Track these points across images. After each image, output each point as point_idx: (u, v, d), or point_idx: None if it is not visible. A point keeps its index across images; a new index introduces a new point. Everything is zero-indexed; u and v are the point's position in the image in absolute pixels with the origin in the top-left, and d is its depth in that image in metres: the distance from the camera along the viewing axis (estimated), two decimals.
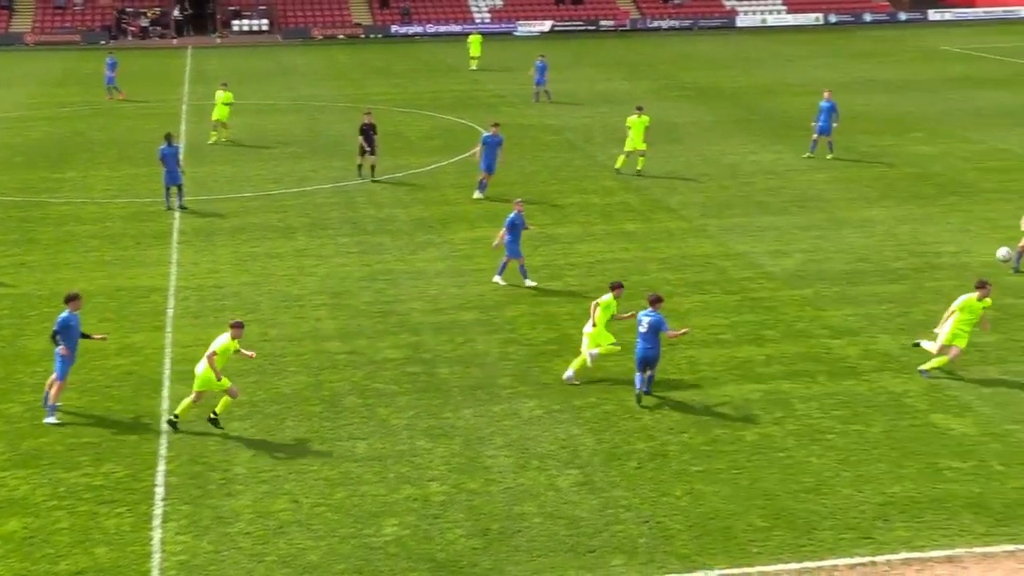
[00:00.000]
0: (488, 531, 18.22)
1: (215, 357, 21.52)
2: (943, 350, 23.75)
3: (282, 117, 55.99)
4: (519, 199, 31.43)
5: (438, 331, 26.80)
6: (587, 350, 23.87)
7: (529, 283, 29.84)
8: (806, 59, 75.91)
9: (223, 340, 21.76)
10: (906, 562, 17.22)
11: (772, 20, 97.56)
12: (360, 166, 41.79)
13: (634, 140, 42.12)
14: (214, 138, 48.66)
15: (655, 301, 22.71)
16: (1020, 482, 19.46)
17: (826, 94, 45.49)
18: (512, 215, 29.72)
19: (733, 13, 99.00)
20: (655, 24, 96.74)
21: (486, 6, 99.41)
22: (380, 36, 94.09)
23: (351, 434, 21.61)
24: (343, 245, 33.93)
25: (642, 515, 18.59)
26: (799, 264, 31.38)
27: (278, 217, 36.84)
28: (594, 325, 23.77)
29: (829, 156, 44.68)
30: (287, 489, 19.56)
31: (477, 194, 38.85)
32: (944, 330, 23.75)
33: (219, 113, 48.81)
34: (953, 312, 23.66)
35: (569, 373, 23.85)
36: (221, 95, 48.92)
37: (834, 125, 44.74)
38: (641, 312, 22.71)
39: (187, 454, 20.81)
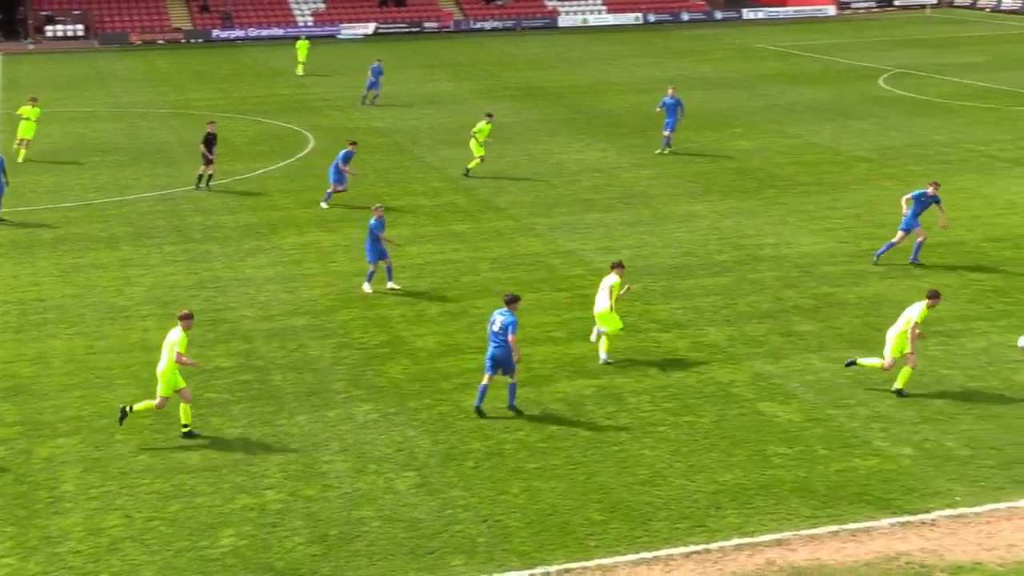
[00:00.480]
0: (327, 537, 18.06)
1: (181, 355, 21.22)
2: (904, 360, 22.74)
3: (102, 124, 54.61)
4: (379, 204, 30.99)
5: (270, 338, 26.47)
6: (598, 328, 24.69)
7: (392, 286, 29.57)
8: (627, 58, 77.08)
9: (177, 335, 21.40)
10: (738, 548, 17.62)
11: (593, 20, 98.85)
12: (200, 176, 40.88)
13: (479, 143, 42.24)
14: (23, 155, 46.11)
15: (511, 301, 22.31)
16: (842, 465, 20.09)
17: (670, 91, 46.34)
18: (372, 221, 29.33)
19: (555, 13, 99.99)
20: (478, 25, 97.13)
21: (308, 9, 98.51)
22: (201, 41, 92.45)
23: (184, 445, 21.18)
24: (169, 254, 33.26)
25: (480, 514, 18.65)
26: (626, 260, 31.77)
27: (101, 227, 35.94)
28: (611, 308, 24.37)
29: (665, 151, 45.48)
30: (119, 504, 19.08)
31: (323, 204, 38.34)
32: (890, 342, 22.77)
33: (24, 131, 45.94)
34: (909, 322, 22.60)
35: (603, 356, 24.59)
36: (27, 110, 46.13)
37: (679, 121, 45.63)
38: (497, 310, 22.65)
39: (11, 473, 20.15)
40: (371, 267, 29.58)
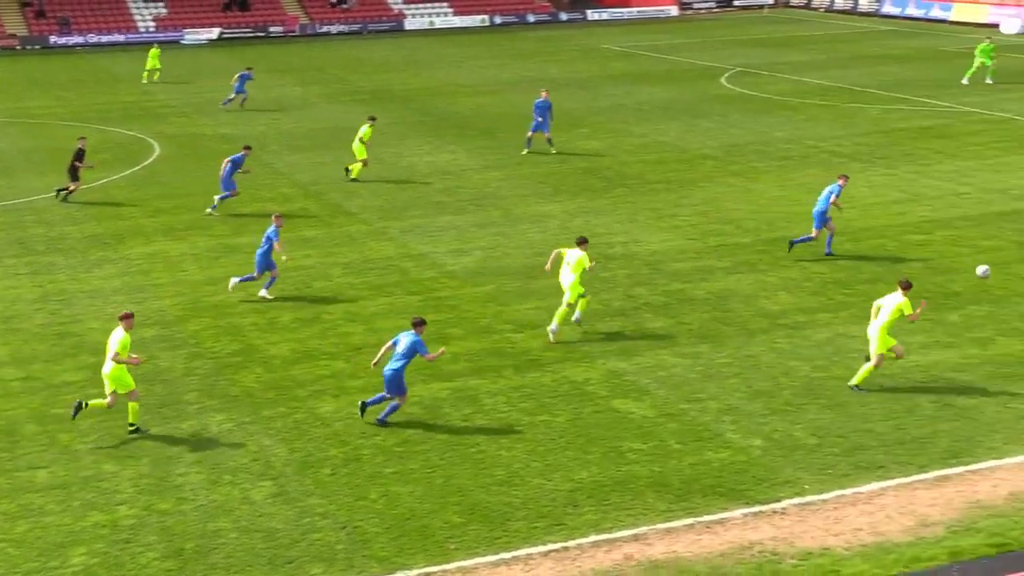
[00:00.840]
0: (183, 551, 17.75)
1: (119, 355, 21.34)
2: (880, 360, 22.83)
3: None
4: (278, 213, 30.43)
5: None
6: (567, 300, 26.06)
7: (264, 295, 29.14)
8: (474, 60, 77.26)
9: (120, 336, 21.52)
10: (596, 544, 17.81)
11: (439, 22, 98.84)
12: (64, 188, 39.56)
13: (361, 147, 41.98)
14: None
15: (418, 324, 22.03)
16: (695, 458, 20.44)
17: (543, 93, 46.60)
18: (271, 229, 28.83)
19: (401, 16, 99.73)
20: (324, 29, 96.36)
21: (150, 14, 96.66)
22: (38, 47, 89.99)
23: (31, 463, 20.63)
24: (11, 267, 32.34)
25: (339, 521, 18.52)
26: (479, 262, 31.95)
27: None
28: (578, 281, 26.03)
29: (553, 151, 45.76)
30: None
31: (209, 209, 37.74)
32: (874, 340, 22.67)
33: None
34: (886, 316, 22.57)
35: (576, 316, 26.39)
36: None
37: (550, 122, 45.95)
38: (403, 331, 22.36)
39: None
40: (270, 275, 29.10)
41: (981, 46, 61.68)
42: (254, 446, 21.18)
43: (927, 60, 70.41)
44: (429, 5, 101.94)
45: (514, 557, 17.52)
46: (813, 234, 31.86)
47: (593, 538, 17.97)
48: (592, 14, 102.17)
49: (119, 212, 38.00)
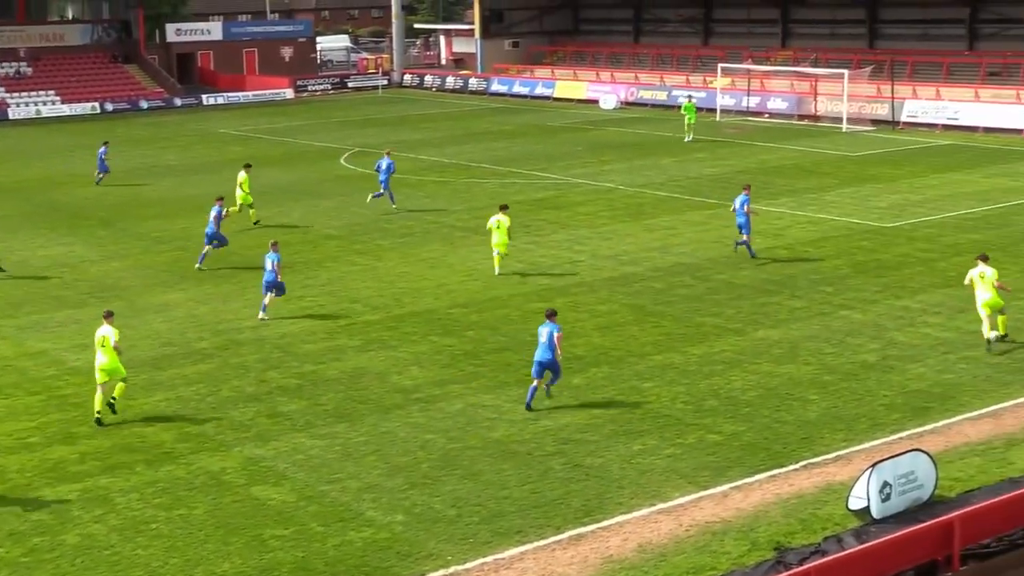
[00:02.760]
0: None
1: (116, 342, 25.53)
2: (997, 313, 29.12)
3: None
4: (274, 240, 34.19)
5: None
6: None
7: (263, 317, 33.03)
8: (89, 148, 74.52)
9: (109, 330, 25.73)
10: None
11: (47, 111, 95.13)
12: None
13: (246, 193, 46.59)
14: None
15: (552, 315, 26.22)
16: (338, 539, 20.30)
17: (386, 153, 49.93)
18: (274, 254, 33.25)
19: (4, 106, 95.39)
20: None
21: None
22: None
23: None
24: None
25: None
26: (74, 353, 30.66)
27: None
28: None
29: (393, 207, 48.16)
30: None
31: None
32: (984, 309, 28.90)
33: None
34: (992, 280, 28.76)
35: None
36: None
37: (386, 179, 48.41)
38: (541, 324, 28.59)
39: None
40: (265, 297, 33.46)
41: (685, 104, 67.83)
42: None
43: (535, 135, 73.56)
44: (35, 93, 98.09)
45: None
46: (745, 237, 38.72)
47: None
48: (207, 98, 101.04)
49: None
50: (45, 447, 24.71)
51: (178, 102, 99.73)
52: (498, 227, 37.11)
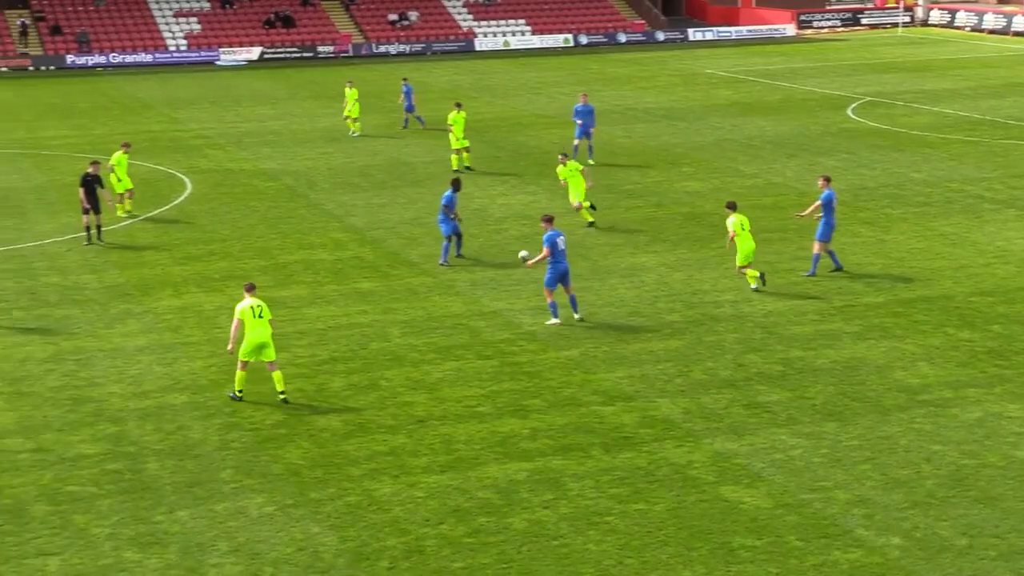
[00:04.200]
0: None
1: (272, 320, 26.88)
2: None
3: None
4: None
5: (143, 418, 26.20)
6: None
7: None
8: (556, 86, 77.75)
9: (251, 301, 26.75)
10: None
11: (515, 43, 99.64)
12: (88, 228, 40.47)
13: (457, 137, 50.19)
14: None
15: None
16: (819, 558, 20.21)
17: (582, 97, 51.80)
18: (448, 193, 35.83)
19: (471, 35, 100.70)
20: (382, 49, 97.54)
21: (181, 31, 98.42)
22: (53, 68, 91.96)
23: (40, 549, 20.85)
24: (19, 320, 32.87)
25: None
26: (562, 320, 31.94)
27: None
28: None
29: (590, 161, 49.98)
30: None
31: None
32: None
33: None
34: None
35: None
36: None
37: (592, 129, 51.56)
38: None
39: None
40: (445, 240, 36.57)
41: None
42: (300, 533, 21.26)
43: None
44: (503, 22, 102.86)
45: None
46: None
47: None
48: (694, 34, 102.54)
49: (144, 259, 38.54)
50: (495, 418, 26.04)
51: (660, 36, 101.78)
52: None
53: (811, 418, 25.79)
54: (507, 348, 30.25)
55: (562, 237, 31.42)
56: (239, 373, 27.03)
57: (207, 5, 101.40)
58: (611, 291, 34.57)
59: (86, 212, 40.21)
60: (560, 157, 42.75)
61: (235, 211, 44.72)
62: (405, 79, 64.46)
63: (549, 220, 31.98)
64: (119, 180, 43.80)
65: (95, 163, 41.03)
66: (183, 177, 51.24)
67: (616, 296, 34.15)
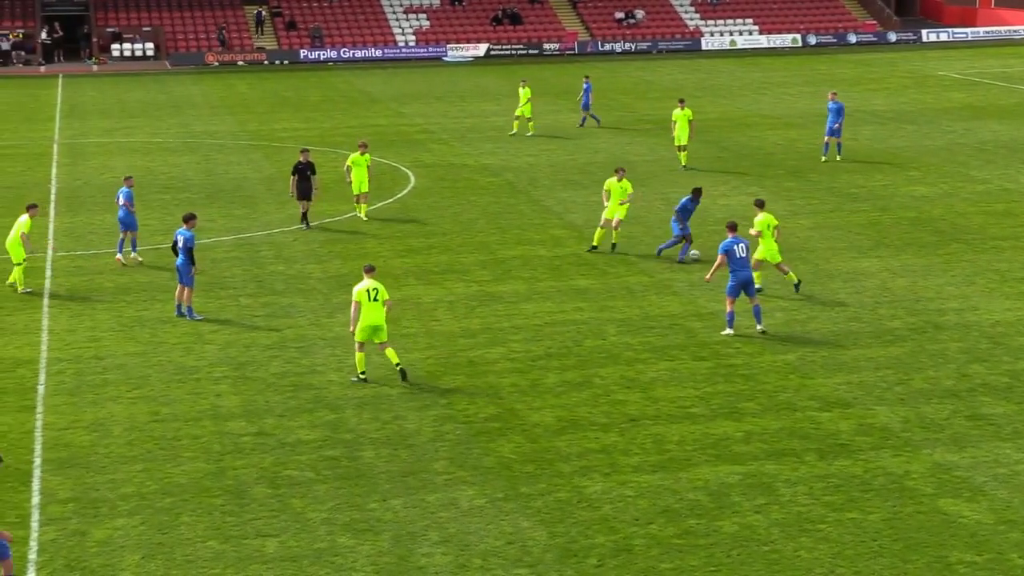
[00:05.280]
0: None
1: (389, 303, 27.93)
2: None
3: (173, 157, 55.85)
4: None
5: (361, 407, 26.70)
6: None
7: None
8: (782, 87, 76.93)
9: (368, 283, 27.72)
10: None
11: (742, 42, 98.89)
12: (305, 214, 41.77)
13: (680, 135, 51.31)
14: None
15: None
16: None
17: (831, 95, 52.62)
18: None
19: (697, 34, 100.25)
20: (607, 47, 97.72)
21: (411, 28, 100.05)
22: (287, 62, 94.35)
23: (259, 530, 21.41)
24: (247, 307, 33.79)
25: None
26: (780, 325, 31.61)
27: (169, 275, 36.59)
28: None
29: (838, 158, 51.44)
30: None
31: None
32: None
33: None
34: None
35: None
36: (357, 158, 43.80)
37: (837, 126, 52.14)
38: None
39: (62, 558, 20.52)
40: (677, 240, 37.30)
41: None
42: (509, 527, 21.43)
43: None
44: (731, 21, 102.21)
45: None
46: None
47: None
48: (927, 34, 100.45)
49: (366, 249, 39.27)
50: (709, 420, 25.89)
51: (892, 37, 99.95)
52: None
53: None
54: (723, 350, 30.04)
55: (742, 244, 30.58)
56: (358, 355, 28.02)
57: (436, 2, 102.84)
58: (831, 295, 34.07)
59: (300, 198, 41.34)
60: (617, 172, 39.53)
61: (456, 205, 45.26)
62: (587, 77, 64.68)
63: (732, 228, 31.34)
64: (348, 183, 43.33)
65: (305, 151, 42.08)
66: (407, 171, 52.07)
67: (836, 300, 33.64)
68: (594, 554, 20.53)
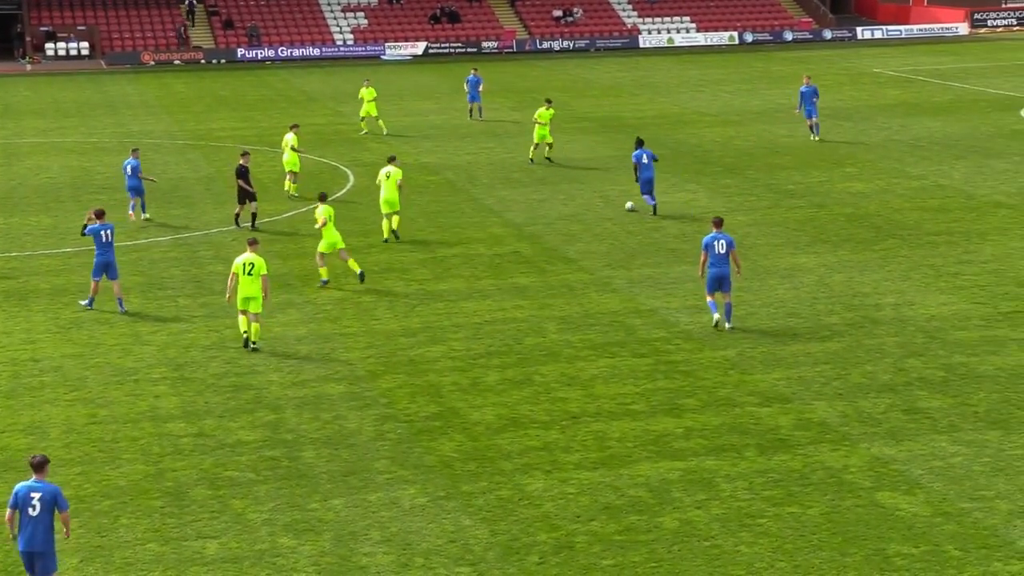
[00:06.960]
0: None
1: (265, 278, 30.06)
2: None
3: (109, 158, 55.39)
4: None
5: (301, 407, 26.62)
6: None
7: None
8: (719, 84, 77.27)
9: (246, 256, 29.94)
10: None
11: (680, 40, 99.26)
12: (238, 215, 41.60)
13: (542, 132, 51.82)
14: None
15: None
16: (979, 569, 19.83)
17: (805, 79, 56.80)
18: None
19: (635, 32, 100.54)
20: (546, 45, 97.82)
21: (348, 26, 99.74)
22: (224, 61, 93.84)
23: (200, 532, 21.31)
24: (185, 308, 33.60)
25: None
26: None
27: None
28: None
29: (815, 139, 55.47)
30: None
31: None
32: None
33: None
34: None
35: None
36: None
37: (812, 106, 56.04)
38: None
39: None
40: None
41: None
42: (451, 525, 21.44)
43: None
44: (668, 19, 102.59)
45: None
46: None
47: None
48: (862, 32, 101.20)
49: (306, 249, 39.09)
50: (649, 416, 25.98)
51: (828, 35, 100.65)
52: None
53: (973, 425, 25.30)
54: (663, 347, 30.15)
55: (722, 240, 30.52)
56: (240, 319, 30.18)
57: (374, 1, 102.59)
58: (770, 291, 34.27)
59: (242, 201, 41.27)
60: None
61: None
62: (475, 69, 65.66)
63: (717, 223, 31.19)
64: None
65: (246, 154, 42.03)
66: (346, 170, 51.92)
67: (775, 296, 33.84)
68: (536, 551, 20.56)
